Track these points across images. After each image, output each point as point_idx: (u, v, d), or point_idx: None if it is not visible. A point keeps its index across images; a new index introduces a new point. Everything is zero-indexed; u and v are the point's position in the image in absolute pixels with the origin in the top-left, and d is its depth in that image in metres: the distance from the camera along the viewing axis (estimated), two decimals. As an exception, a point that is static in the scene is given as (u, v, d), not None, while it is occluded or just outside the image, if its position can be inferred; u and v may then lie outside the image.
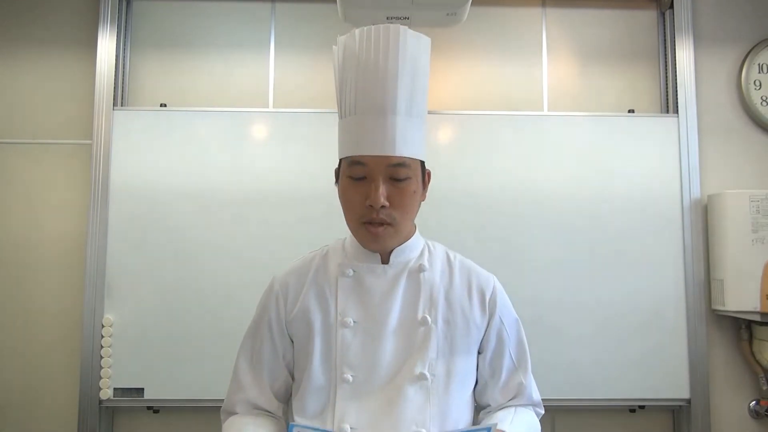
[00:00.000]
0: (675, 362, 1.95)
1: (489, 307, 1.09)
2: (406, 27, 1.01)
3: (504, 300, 1.12)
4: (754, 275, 1.89)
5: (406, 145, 0.99)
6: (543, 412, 1.14)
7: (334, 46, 1.07)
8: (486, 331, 1.09)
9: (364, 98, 0.99)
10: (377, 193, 0.97)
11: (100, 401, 1.90)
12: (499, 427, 0.88)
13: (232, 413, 1.09)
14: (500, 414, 1.04)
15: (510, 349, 1.10)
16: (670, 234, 2.00)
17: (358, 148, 0.99)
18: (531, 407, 1.12)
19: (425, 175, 1.08)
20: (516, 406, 1.09)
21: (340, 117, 1.05)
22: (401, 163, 0.99)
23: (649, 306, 1.97)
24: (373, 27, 1.01)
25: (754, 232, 1.91)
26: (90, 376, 1.90)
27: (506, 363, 1.10)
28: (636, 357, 1.95)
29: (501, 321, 1.10)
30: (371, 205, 0.98)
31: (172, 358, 1.91)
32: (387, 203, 0.98)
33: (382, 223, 0.99)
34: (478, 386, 1.11)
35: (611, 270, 1.98)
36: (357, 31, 1.02)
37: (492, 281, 1.12)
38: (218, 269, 1.94)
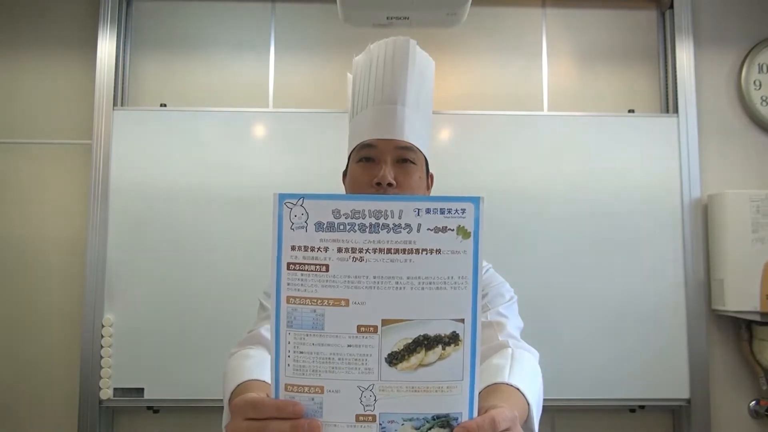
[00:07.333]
0: (675, 362, 1.95)
1: None
2: (416, 42, 1.10)
3: (489, 274, 1.08)
4: (754, 275, 1.89)
5: (414, 133, 1.05)
6: (536, 353, 0.95)
7: (354, 60, 1.15)
8: None
9: (375, 92, 1.07)
10: (385, 170, 1.00)
11: (100, 401, 1.90)
12: (498, 380, 0.77)
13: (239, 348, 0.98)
14: (495, 361, 0.87)
15: (487, 299, 1.00)
16: (670, 234, 2.00)
17: (369, 133, 1.05)
18: (524, 350, 0.94)
19: (428, 177, 1.11)
20: (511, 348, 0.91)
21: (352, 116, 1.11)
22: (408, 147, 1.04)
23: (649, 306, 1.97)
24: (385, 39, 1.10)
25: (754, 232, 1.91)
26: (90, 376, 1.90)
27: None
28: (636, 357, 1.95)
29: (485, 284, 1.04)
30: (379, 183, 1.00)
31: (172, 358, 1.91)
32: (394, 182, 1.00)
33: None
34: None
35: (611, 270, 1.98)
36: (371, 45, 1.11)
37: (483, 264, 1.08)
38: (218, 269, 1.94)
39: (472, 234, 0.58)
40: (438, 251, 0.58)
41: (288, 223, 0.58)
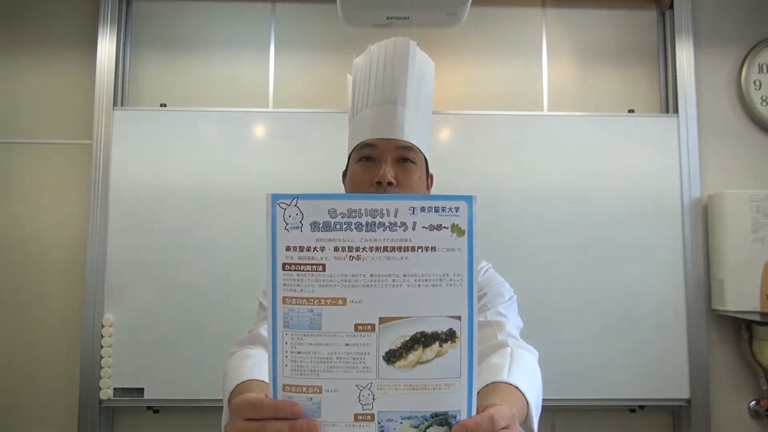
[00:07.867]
0: (675, 362, 1.95)
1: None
2: (416, 43, 1.10)
3: (489, 274, 1.08)
4: (754, 275, 1.89)
5: (414, 133, 1.05)
6: (536, 352, 0.95)
7: (354, 61, 1.15)
8: None
9: (375, 92, 1.07)
10: (385, 170, 1.00)
11: (100, 401, 1.90)
12: (497, 379, 0.76)
13: (239, 348, 0.98)
14: (494, 360, 0.86)
15: (486, 299, 1.01)
16: (670, 234, 2.00)
17: (369, 132, 1.05)
18: (523, 350, 0.93)
19: (428, 177, 1.11)
20: (510, 347, 0.90)
21: (352, 116, 1.11)
22: (408, 147, 1.04)
23: (649, 306, 1.97)
24: (385, 40, 1.10)
25: (754, 232, 1.91)
26: (90, 376, 1.90)
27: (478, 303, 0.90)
28: (636, 357, 1.95)
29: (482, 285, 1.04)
30: (379, 182, 1.00)
31: (172, 358, 1.91)
32: (394, 181, 1.00)
33: None
34: None
35: (611, 270, 1.98)
36: (372, 46, 1.11)
37: (480, 264, 1.08)
38: (218, 269, 1.94)
39: (466, 232, 0.59)
40: (433, 249, 0.58)
41: (282, 223, 0.58)
